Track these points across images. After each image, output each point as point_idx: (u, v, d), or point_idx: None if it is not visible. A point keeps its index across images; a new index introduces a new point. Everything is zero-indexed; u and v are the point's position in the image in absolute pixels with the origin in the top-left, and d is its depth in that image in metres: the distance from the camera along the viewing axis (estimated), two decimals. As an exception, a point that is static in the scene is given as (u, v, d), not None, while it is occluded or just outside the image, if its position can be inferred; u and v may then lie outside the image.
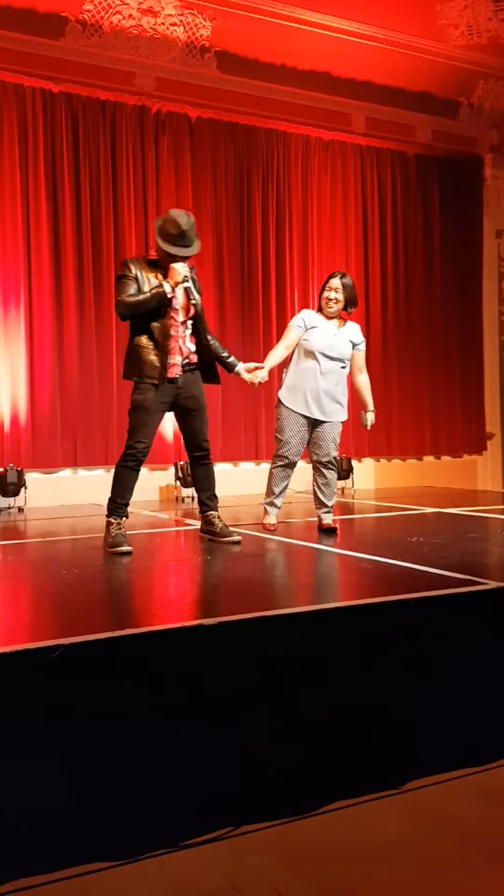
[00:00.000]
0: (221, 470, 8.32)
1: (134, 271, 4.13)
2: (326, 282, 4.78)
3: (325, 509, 4.87)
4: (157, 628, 2.45)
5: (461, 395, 9.73)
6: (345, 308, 4.74)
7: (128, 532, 4.30)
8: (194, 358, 4.33)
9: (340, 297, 4.69)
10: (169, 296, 4.11)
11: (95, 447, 7.68)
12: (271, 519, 4.83)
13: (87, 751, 2.23)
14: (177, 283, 4.12)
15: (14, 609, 3.18)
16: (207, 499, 4.49)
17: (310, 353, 4.68)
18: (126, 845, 2.17)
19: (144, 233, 7.92)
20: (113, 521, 4.25)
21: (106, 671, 2.30)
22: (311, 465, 4.92)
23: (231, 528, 4.48)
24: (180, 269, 4.12)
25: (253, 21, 7.59)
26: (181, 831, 2.24)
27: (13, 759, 2.14)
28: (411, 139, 9.27)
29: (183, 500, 7.67)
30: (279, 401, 4.76)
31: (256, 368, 4.60)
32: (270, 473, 4.84)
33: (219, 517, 4.48)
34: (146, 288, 4.10)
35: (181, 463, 7.56)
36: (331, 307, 4.70)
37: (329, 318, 4.74)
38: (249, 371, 4.56)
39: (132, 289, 4.09)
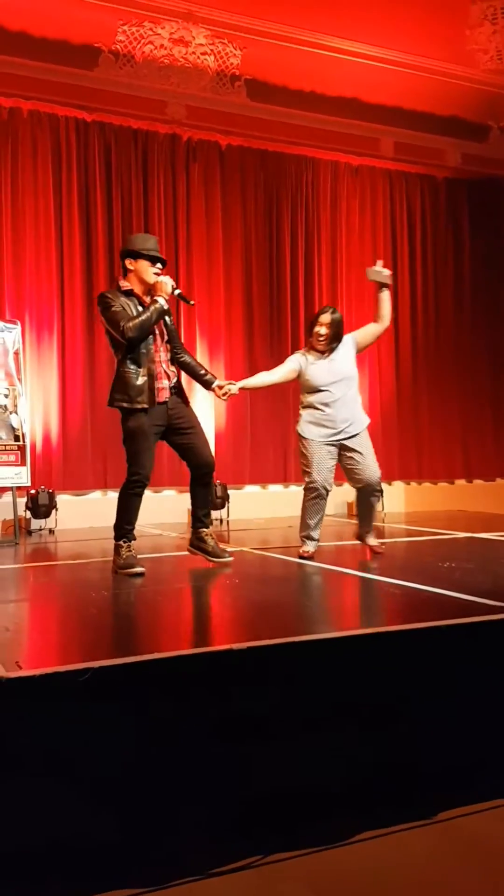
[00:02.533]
0: (250, 493, 8.36)
1: (116, 301, 4.15)
2: (317, 317, 4.78)
3: (367, 528, 4.87)
4: (186, 653, 2.44)
5: (493, 418, 9.64)
6: (330, 343, 4.72)
7: (160, 554, 4.31)
8: (176, 382, 4.35)
9: (329, 332, 4.69)
10: (166, 308, 4.17)
11: (124, 469, 7.67)
12: (308, 547, 4.76)
13: (114, 776, 2.23)
14: (168, 295, 4.17)
15: (43, 632, 3.20)
16: (204, 516, 4.49)
17: (313, 390, 4.69)
18: (154, 872, 2.15)
19: (175, 259, 8.02)
20: (122, 544, 4.26)
21: (133, 695, 2.30)
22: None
23: (223, 549, 4.49)
24: (166, 280, 4.19)
25: (282, 49, 7.70)
26: (209, 859, 2.22)
27: (38, 782, 2.14)
28: (440, 163, 9.30)
29: (211, 521, 7.66)
30: (299, 435, 4.73)
31: (228, 384, 4.59)
32: (303, 507, 4.76)
33: (211, 535, 4.48)
34: (133, 314, 4.12)
35: (216, 484, 7.57)
36: (321, 341, 4.70)
37: (320, 352, 4.74)
38: (220, 388, 4.54)
39: (126, 314, 4.10)
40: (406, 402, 9.12)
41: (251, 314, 8.39)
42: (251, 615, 3.34)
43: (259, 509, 8.09)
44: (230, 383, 4.61)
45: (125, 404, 4.16)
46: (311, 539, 4.74)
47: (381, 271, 4.74)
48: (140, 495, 4.26)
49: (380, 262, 4.81)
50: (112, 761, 2.23)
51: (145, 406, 4.15)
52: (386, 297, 4.78)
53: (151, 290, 4.19)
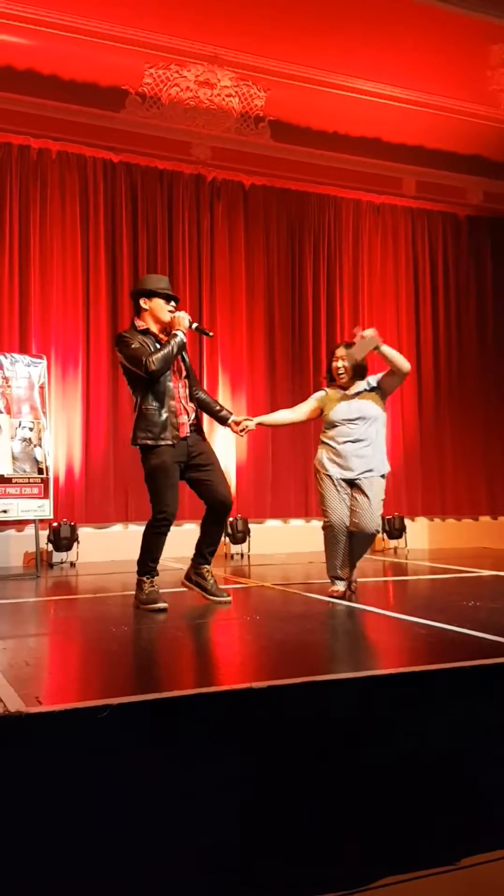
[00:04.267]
0: (271, 527, 8.34)
1: (134, 339, 4.19)
2: (332, 352, 4.78)
3: (348, 570, 4.68)
4: (205, 691, 2.42)
5: (517, 454, 9.58)
6: (352, 377, 4.68)
7: (176, 589, 4.30)
8: (194, 419, 4.36)
9: (348, 364, 4.65)
10: (185, 341, 4.22)
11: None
12: (338, 587, 4.65)
13: (133, 814, 2.20)
14: (186, 329, 4.22)
15: (63, 667, 3.19)
16: (209, 553, 4.43)
17: (331, 424, 4.65)
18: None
19: (199, 296, 8.13)
20: (145, 580, 4.25)
21: (153, 733, 2.28)
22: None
23: (222, 589, 4.44)
24: (183, 315, 4.25)
25: (306, 90, 7.83)
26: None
27: (57, 817, 2.12)
28: (462, 201, 9.37)
29: (232, 556, 7.65)
30: (316, 469, 4.69)
31: (245, 420, 4.59)
32: (326, 545, 4.68)
33: (211, 573, 4.43)
34: (151, 350, 4.16)
35: (230, 519, 7.56)
36: (341, 375, 4.67)
37: (342, 388, 4.71)
38: (237, 423, 4.53)
39: (146, 350, 4.13)
40: (429, 438, 9.09)
41: (273, 351, 8.45)
42: (271, 653, 3.31)
43: (280, 544, 8.06)
44: (247, 419, 4.61)
45: (150, 441, 4.17)
46: (339, 579, 4.66)
47: (363, 344, 4.43)
48: (165, 534, 4.25)
49: (356, 329, 4.58)
50: (131, 799, 2.20)
51: (170, 442, 4.17)
52: (385, 351, 4.46)
53: (169, 326, 4.25)
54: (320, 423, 4.81)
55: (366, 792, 2.48)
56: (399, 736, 2.57)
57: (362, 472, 4.57)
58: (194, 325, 4.31)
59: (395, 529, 8.12)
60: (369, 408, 4.64)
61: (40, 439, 6.59)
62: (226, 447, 7.84)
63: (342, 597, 4.57)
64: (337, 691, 2.55)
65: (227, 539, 7.67)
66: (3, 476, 6.34)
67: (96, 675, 2.98)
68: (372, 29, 7.03)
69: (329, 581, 4.68)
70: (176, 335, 4.18)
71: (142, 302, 4.29)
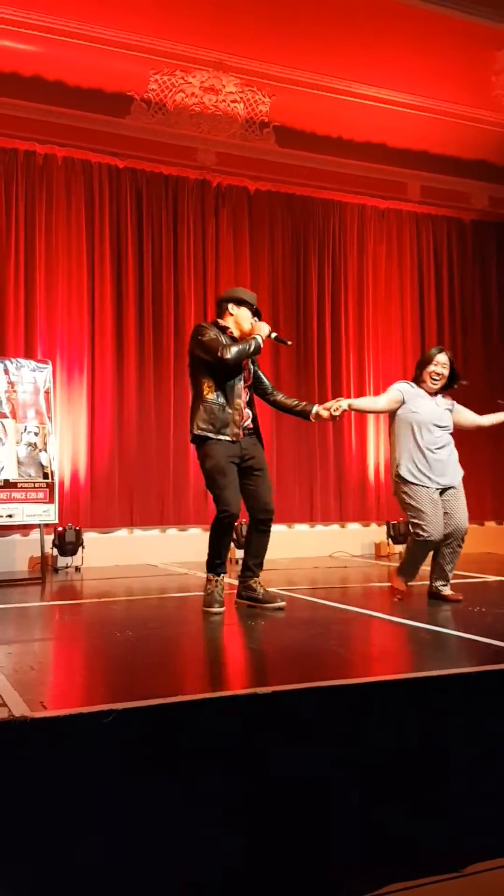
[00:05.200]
0: (275, 532, 8.25)
1: (213, 330, 4.30)
2: (432, 356, 4.64)
3: (444, 582, 4.61)
4: (210, 696, 2.42)
5: (523, 459, 9.54)
6: (448, 385, 4.64)
7: (182, 594, 4.30)
8: (250, 423, 4.41)
9: (446, 372, 4.60)
10: (261, 346, 4.30)
11: (151, 508, 7.78)
12: (403, 585, 4.60)
13: (137, 820, 2.19)
14: (264, 338, 4.31)
15: (68, 671, 3.19)
16: (255, 565, 4.39)
17: (421, 426, 4.53)
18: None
19: (203, 301, 8.13)
20: (211, 577, 4.28)
21: (157, 738, 2.27)
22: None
23: (274, 594, 4.41)
24: (264, 325, 4.37)
25: (310, 96, 7.85)
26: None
27: (61, 825, 2.11)
28: (467, 206, 9.36)
29: (237, 561, 7.64)
30: (404, 480, 4.50)
31: (335, 402, 4.50)
32: (412, 556, 4.57)
33: (260, 584, 4.39)
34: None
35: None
36: (436, 382, 4.59)
37: (429, 392, 4.63)
38: (327, 408, 4.48)
39: (223, 341, 4.23)
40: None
41: (277, 357, 8.44)
42: (276, 659, 3.31)
43: (285, 549, 8.05)
44: (337, 400, 4.53)
45: (210, 434, 4.20)
46: (410, 582, 4.62)
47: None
48: (229, 532, 4.30)
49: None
50: (134, 806, 2.20)
51: (229, 438, 4.21)
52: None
53: (248, 334, 4.34)
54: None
55: (370, 797, 2.48)
56: (404, 741, 2.56)
57: (455, 481, 4.58)
58: (273, 334, 4.40)
59: (400, 534, 8.10)
60: (449, 419, 4.67)
61: (45, 444, 6.60)
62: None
63: (401, 598, 4.54)
64: (342, 697, 2.55)
65: (232, 544, 7.65)
66: (8, 480, 6.34)
67: (101, 680, 2.98)
68: (376, 34, 7.05)
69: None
70: (255, 338, 4.28)
71: (230, 307, 4.41)
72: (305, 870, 2.33)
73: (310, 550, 8.08)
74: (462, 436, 9.64)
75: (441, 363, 4.58)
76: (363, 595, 5.00)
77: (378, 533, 8.54)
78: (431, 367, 4.59)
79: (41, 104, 7.31)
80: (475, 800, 2.61)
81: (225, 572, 4.32)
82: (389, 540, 8.22)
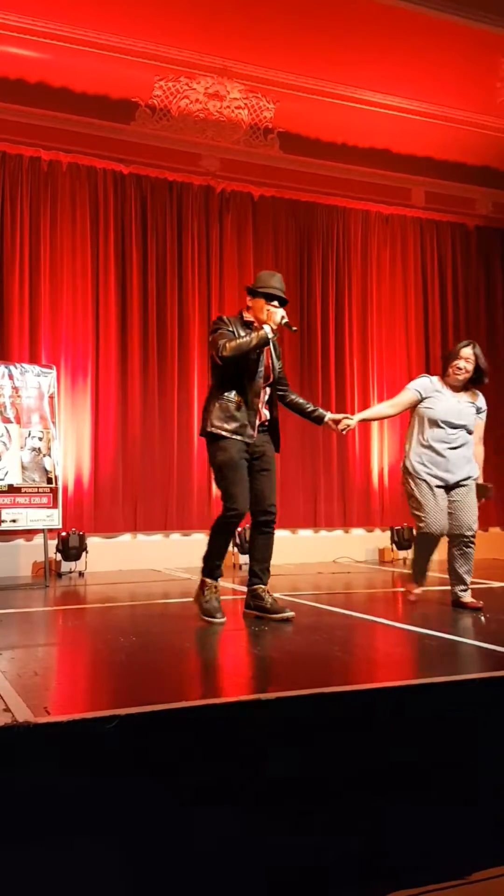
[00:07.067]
0: (279, 537, 8.26)
1: (229, 325, 4.19)
2: (458, 350, 4.58)
3: (463, 587, 4.59)
4: (213, 702, 2.41)
5: (528, 465, 9.52)
6: (475, 380, 4.56)
7: (186, 599, 4.29)
8: (267, 422, 4.32)
9: (471, 367, 4.51)
10: (270, 337, 4.12)
11: (155, 513, 7.78)
12: (418, 591, 4.58)
13: (139, 829, 2.19)
14: (276, 324, 4.14)
15: (71, 677, 3.18)
16: (261, 571, 4.24)
17: (433, 423, 4.49)
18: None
19: (207, 307, 8.14)
20: (209, 583, 4.17)
21: (160, 744, 2.27)
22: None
23: (281, 602, 4.30)
24: (277, 311, 4.17)
25: (315, 102, 7.86)
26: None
27: (63, 835, 2.11)
28: (472, 212, 9.37)
29: (240, 566, 7.63)
30: (410, 473, 4.50)
31: (345, 418, 4.45)
32: (417, 551, 4.59)
33: (268, 591, 4.26)
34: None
35: (239, 529, 7.55)
36: (459, 376, 4.52)
37: (454, 387, 4.56)
38: (336, 421, 4.43)
39: (229, 336, 4.11)
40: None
41: (282, 362, 8.44)
42: (280, 664, 3.30)
43: (289, 555, 8.04)
44: (347, 417, 4.46)
45: (224, 433, 4.09)
46: (420, 584, 4.61)
47: (487, 487, 4.70)
48: (232, 532, 4.17)
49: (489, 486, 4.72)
50: (135, 813, 2.19)
51: (243, 439, 4.10)
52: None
53: (264, 323, 4.18)
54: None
55: (371, 805, 2.47)
56: (408, 748, 2.55)
57: (464, 478, 4.49)
58: (284, 320, 4.20)
59: (404, 540, 8.09)
60: (471, 417, 4.57)
61: (49, 449, 6.61)
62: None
63: (415, 601, 4.52)
64: (345, 703, 2.54)
65: (235, 549, 7.66)
66: (12, 485, 6.35)
67: (105, 686, 2.97)
68: (381, 40, 7.06)
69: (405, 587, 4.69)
70: (263, 328, 4.12)
71: (248, 298, 4.28)
72: (307, 876, 2.32)
73: (314, 556, 8.07)
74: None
75: (465, 357, 4.50)
76: (367, 600, 4.99)
77: (382, 538, 8.53)
78: (455, 361, 4.52)
79: (46, 110, 7.35)
80: (480, 805, 2.59)
81: (221, 575, 4.24)
82: (393, 545, 8.21)
